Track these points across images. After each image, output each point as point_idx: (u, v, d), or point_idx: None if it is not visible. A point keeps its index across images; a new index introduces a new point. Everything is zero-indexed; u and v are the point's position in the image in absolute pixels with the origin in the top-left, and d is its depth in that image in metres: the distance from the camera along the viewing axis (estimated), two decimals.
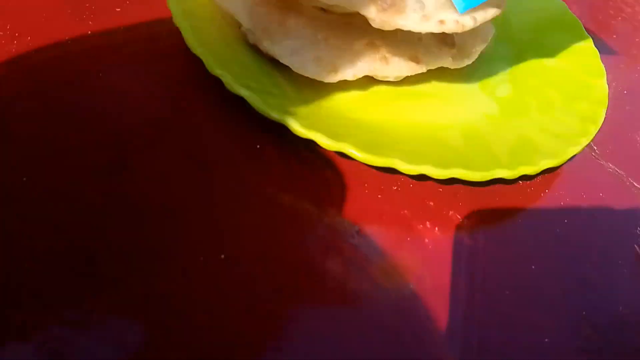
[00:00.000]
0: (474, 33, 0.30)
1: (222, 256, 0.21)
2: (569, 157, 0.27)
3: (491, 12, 0.27)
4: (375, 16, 0.25)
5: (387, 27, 0.26)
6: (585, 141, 0.28)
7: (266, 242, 0.22)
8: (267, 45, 0.27)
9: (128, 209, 0.22)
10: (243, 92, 0.24)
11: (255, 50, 0.27)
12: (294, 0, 0.27)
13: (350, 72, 0.27)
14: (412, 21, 0.25)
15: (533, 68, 0.33)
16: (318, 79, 0.27)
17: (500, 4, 0.28)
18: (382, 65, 0.28)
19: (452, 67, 0.30)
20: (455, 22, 0.26)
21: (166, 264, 0.20)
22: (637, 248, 0.27)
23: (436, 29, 0.26)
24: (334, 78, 0.27)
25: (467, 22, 0.27)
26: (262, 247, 0.22)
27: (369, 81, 0.29)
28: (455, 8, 0.26)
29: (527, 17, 0.36)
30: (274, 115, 0.23)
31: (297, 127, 0.23)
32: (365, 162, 0.24)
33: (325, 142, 0.23)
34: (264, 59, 0.27)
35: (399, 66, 0.29)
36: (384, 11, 0.25)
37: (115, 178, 0.22)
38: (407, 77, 0.29)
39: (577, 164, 0.30)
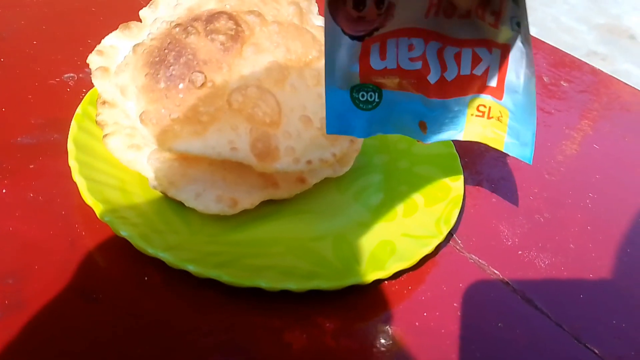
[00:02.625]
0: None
1: None
2: (421, 257, 0.31)
3: (346, 145, 0.32)
4: (257, 165, 0.30)
5: (267, 171, 0.31)
6: (436, 241, 0.32)
7: None
8: (173, 193, 0.31)
9: (26, 347, 0.25)
10: (123, 233, 0.28)
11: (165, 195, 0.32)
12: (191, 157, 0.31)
13: (248, 202, 0.32)
14: (286, 164, 0.31)
15: (404, 175, 0.38)
16: (222, 214, 0.31)
17: (354, 139, 0.33)
18: (274, 190, 0.33)
19: (334, 176, 0.35)
20: (319, 160, 0.31)
21: None
22: (499, 324, 0.31)
23: (305, 168, 0.31)
24: (235, 210, 0.31)
25: (329, 158, 0.32)
26: None
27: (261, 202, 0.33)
28: (318, 148, 0.31)
29: None
30: (150, 251, 0.28)
31: (172, 260, 0.28)
32: (233, 285, 0.28)
33: (197, 271, 0.28)
34: (169, 201, 0.32)
35: (288, 187, 0.33)
36: (263, 160, 0.30)
37: (13, 317, 0.26)
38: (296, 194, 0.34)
39: (442, 258, 0.34)
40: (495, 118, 0.29)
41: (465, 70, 0.28)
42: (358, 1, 0.25)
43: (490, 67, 0.28)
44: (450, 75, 0.28)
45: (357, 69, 0.27)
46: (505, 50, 0.27)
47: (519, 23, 0.25)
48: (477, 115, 0.30)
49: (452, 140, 0.30)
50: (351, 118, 0.29)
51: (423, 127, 0.30)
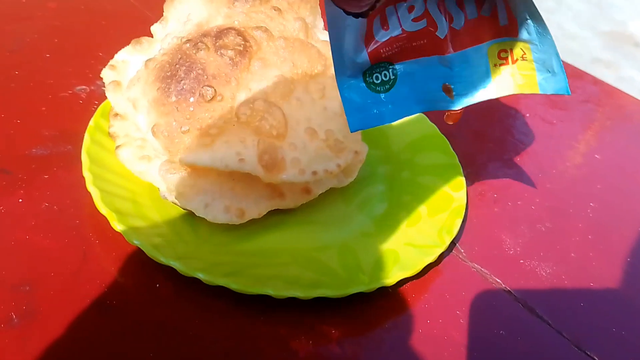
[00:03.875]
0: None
1: None
2: (424, 265, 0.32)
3: (350, 156, 0.33)
4: (264, 176, 0.31)
5: (273, 182, 0.32)
6: (439, 250, 0.33)
7: None
8: (183, 203, 0.32)
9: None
10: (135, 242, 0.29)
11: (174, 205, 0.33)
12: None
13: (255, 212, 0.33)
14: (292, 175, 0.32)
15: (407, 185, 0.38)
16: (230, 223, 0.32)
17: (361, 149, 0.34)
18: (280, 200, 0.34)
19: (338, 187, 0.36)
20: (324, 171, 0.32)
21: None
22: (500, 332, 0.31)
23: (311, 178, 0.32)
24: (243, 220, 0.32)
25: (334, 169, 0.33)
26: None
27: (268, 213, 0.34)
28: (323, 159, 0.32)
29: (404, 139, 0.42)
30: (162, 259, 0.29)
31: (182, 269, 0.29)
32: (241, 293, 0.29)
33: (206, 279, 0.28)
34: (178, 211, 0.33)
35: (294, 198, 0.34)
36: (270, 171, 0.31)
37: (28, 323, 0.27)
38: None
39: (445, 267, 0.35)
40: (519, 59, 0.27)
41: (472, 14, 0.26)
42: None
43: (497, 4, 0.26)
44: (458, 24, 0.27)
45: (365, 51, 0.26)
46: None
47: None
48: (501, 64, 0.27)
49: (483, 100, 0.28)
50: (372, 106, 0.27)
51: (448, 92, 0.28)
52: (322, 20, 0.37)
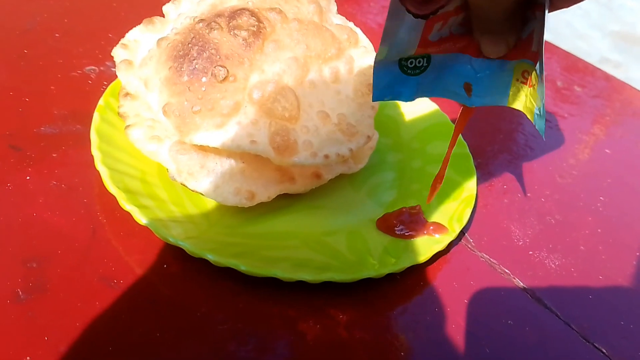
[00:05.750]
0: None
1: None
2: (433, 253, 0.32)
3: (362, 142, 0.33)
4: (275, 158, 0.31)
5: (285, 164, 0.31)
6: (449, 239, 0.33)
7: (175, 349, 0.26)
8: (193, 185, 0.31)
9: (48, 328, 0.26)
10: (145, 222, 0.29)
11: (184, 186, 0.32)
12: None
13: (265, 195, 0.33)
14: (303, 158, 0.31)
15: (417, 174, 0.38)
16: (239, 206, 0.32)
17: (372, 135, 0.34)
18: (290, 184, 0.34)
19: (348, 173, 0.36)
20: (336, 154, 0.32)
21: None
22: (508, 322, 0.31)
23: (323, 162, 0.32)
24: (252, 203, 0.32)
25: (346, 152, 0.32)
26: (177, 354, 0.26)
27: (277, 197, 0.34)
28: (335, 143, 0.32)
29: (415, 128, 0.42)
30: (170, 239, 0.28)
31: (191, 249, 0.28)
32: (250, 274, 0.29)
33: (215, 260, 0.28)
34: (188, 192, 0.32)
35: (304, 182, 0.34)
36: (281, 154, 0.31)
37: (36, 299, 0.27)
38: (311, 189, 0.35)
39: (454, 256, 0.34)
40: (533, 86, 0.28)
41: None
42: None
43: (535, 30, 0.27)
44: None
45: (415, 48, 0.27)
46: (542, 11, 0.26)
47: None
48: (521, 82, 0.29)
49: (497, 105, 0.30)
50: (399, 84, 0.29)
51: (468, 89, 0.30)
52: (335, 4, 0.36)
